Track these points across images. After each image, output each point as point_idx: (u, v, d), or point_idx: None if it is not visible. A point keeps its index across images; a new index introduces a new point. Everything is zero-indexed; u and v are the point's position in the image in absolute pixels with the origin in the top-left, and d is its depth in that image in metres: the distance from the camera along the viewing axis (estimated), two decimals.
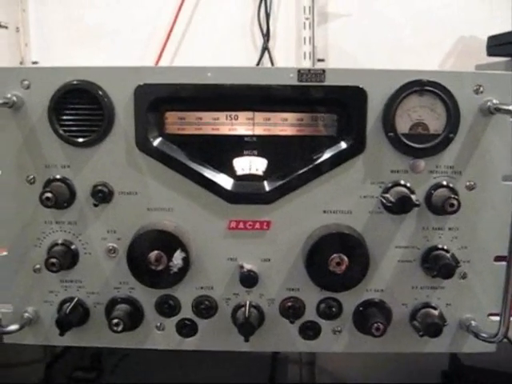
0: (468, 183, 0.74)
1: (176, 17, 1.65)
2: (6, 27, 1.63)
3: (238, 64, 0.74)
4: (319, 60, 1.65)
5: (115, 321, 0.74)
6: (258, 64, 1.63)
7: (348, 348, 0.79)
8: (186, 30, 1.68)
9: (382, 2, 1.63)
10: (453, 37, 1.63)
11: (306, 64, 1.62)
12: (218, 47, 1.64)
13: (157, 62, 1.66)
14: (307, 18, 1.63)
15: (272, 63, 1.65)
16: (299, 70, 0.72)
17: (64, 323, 0.75)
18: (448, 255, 0.73)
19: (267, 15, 1.65)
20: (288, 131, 0.75)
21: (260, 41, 1.66)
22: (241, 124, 0.75)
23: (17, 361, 1.70)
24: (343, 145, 0.74)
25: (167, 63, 1.68)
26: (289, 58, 1.68)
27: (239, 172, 0.75)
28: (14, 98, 0.72)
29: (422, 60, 1.60)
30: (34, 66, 1.38)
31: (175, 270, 0.73)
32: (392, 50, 1.62)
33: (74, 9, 1.71)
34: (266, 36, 1.64)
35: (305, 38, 1.63)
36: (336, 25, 1.66)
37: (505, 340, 0.73)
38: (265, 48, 1.64)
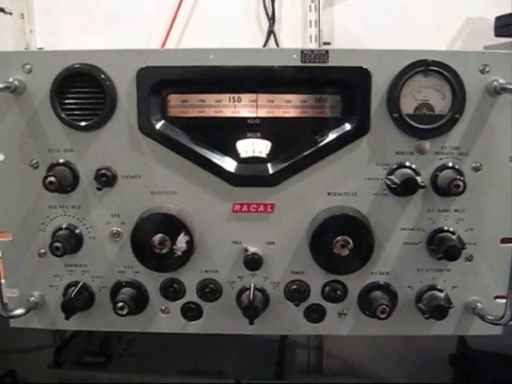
0: (474, 164, 0.73)
1: (181, 1, 1.63)
2: (11, 13, 1.62)
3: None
4: (325, 43, 1.63)
5: (120, 304, 0.74)
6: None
7: (353, 331, 0.79)
8: (191, 14, 1.66)
9: None
10: (460, 18, 1.61)
11: (312, 47, 1.61)
12: (224, 31, 1.62)
13: (162, 47, 1.65)
14: (313, 1, 1.61)
15: (278, 47, 1.63)
16: (302, 51, 0.71)
17: (69, 307, 0.75)
18: (454, 237, 0.73)
19: None
20: (291, 113, 0.74)
21: (265, 24, 1.64)
22: (244, 106, 0.74)
23: (27, 346, 1.72)
24: (347, 126, 0.73)
25: (173, 47, 1.67)
26: (295, 41, 1.66)
27: (243, 155, 0.75)
28: (16, 83, 0.72)
29: (429, 42, 1.57)
30: (36, 50, 1.38)
31: (179, 253, 0.73)
32: (399, 33, 1.59)
33: None
34: (272, 19, 1.63)
35: (311, 21, 1.61)
36: (342, 7, 1.64)
37: (511, 322, 0.72)
38: (270, 31, 1.62)
